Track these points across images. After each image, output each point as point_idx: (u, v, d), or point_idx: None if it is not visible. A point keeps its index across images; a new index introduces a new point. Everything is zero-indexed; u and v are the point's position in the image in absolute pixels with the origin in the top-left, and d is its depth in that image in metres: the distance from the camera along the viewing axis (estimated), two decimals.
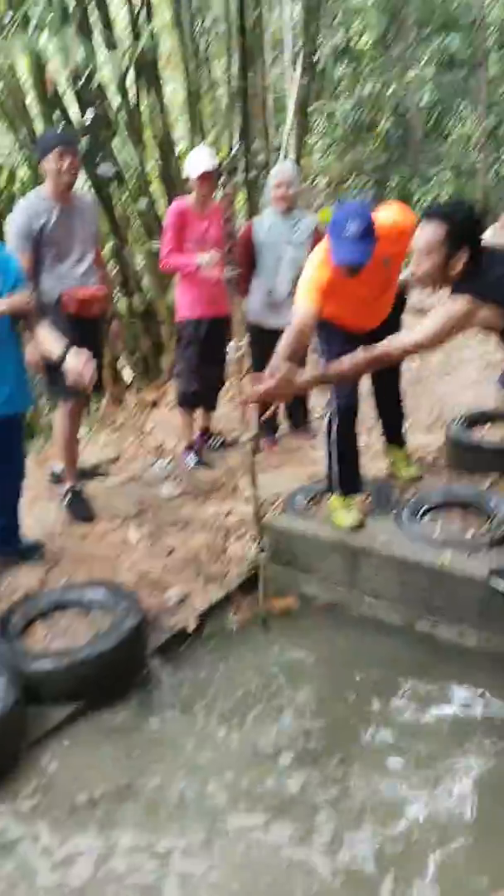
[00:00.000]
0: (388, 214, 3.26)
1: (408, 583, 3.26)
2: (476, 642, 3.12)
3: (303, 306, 3.17)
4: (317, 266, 3.19)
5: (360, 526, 3.48)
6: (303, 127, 6.50)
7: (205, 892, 2.17)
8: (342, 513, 3.53)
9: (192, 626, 3.26)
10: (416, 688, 2.93)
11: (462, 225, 2.48)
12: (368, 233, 2.96)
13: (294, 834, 2.34)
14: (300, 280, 3.26)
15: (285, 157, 7.30)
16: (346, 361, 2.73)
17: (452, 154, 12.53)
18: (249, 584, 3.58)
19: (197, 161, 4.22)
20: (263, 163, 5.70)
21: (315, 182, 10.23)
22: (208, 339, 4.44)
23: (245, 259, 4.45)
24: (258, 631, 3.33)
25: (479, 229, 2.56)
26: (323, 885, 2.17)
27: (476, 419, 4.39)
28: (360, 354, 2.71)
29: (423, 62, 12.06)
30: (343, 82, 11.78)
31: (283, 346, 3.07)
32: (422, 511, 3.60)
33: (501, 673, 2.96)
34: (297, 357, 3.14)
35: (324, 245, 3.20)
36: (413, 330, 2.63)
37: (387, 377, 3.79)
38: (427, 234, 2.51)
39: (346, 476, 3.56)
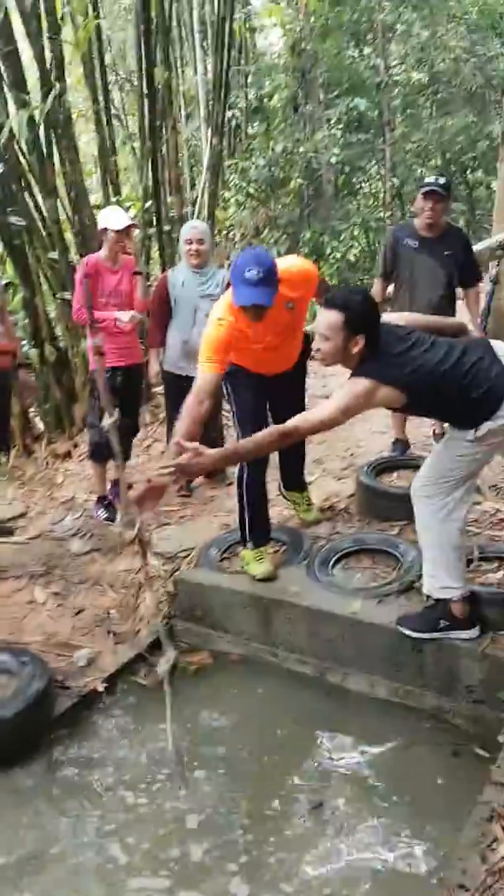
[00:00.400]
0: (288, 260, 3.35)
1: (319, 633, 3.26)
2: (386, 693, 3.12)
3: (201, 371, 3.16)
4: (215, 323, 3.19)
5: (271, 577, 3.47)
6: (216, 182, 6.63)
7: None
8: (254, 564, 3.51)
9: (100, 688, 3.16)
10: (327, 744, 2.91)
11: (357, 314, 2.60)
12: (269, 276, 2.99)
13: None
14: (201, 340, 3.25)
15: (201, 212, 7.46)
16: (257, 439, 2.71)
17: (361, 211, 13.03)
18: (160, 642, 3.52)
19: (112, 218, 4.28)
20: (177, 217, 5.77)
21: (230, 234, 10.42)
22: (121, 388, 4.41)
23: (160, 310, 4.53)
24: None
25: (373, 317, 2.67)
26: None
27: (385, 467, 4.48)
28: (269, 431, 2.71)
29: (332, 122, 12.57)
30: (256, 140, 12.13)
31: (183, 417, 3.04)
32: (333, 560, 3.62)
33: (413, 724, 2.97)
34: (199, 424, 3.10)
35: (222, 301, 3.23)
36: (320, 407, 2.67)
37: None
38: (327, 319, 2.62)
39: (255, 526, 3.55)
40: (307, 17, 12.60)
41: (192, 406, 3.06)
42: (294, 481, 4.06)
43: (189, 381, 4.52)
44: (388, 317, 2.92)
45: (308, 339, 3.57)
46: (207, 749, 2.92)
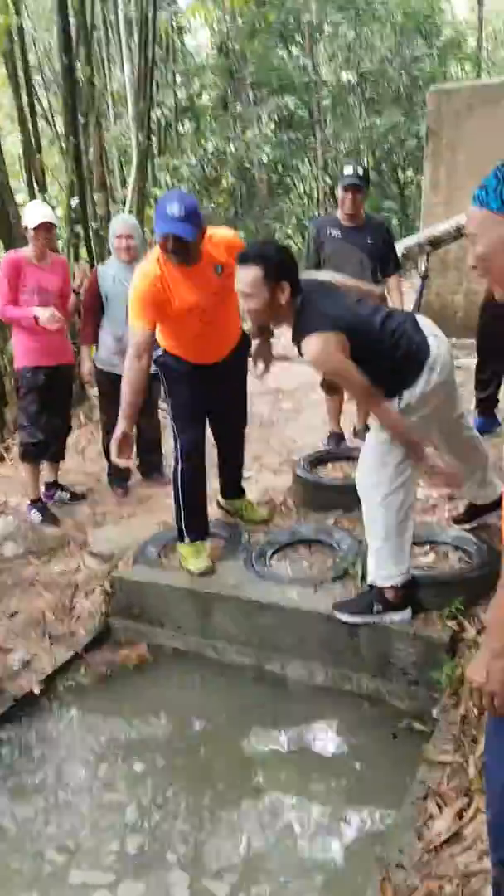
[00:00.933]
0: (216, 228, 3.35)
1: (257, 624, 3.28)
2: (324, 679, 3.16)
3: (133, 327, 3.14)
4: (141, 275, 3.16)
5: (209, 572, 3.47)
6: (143, 180, 6.60)
7: None
8: (192, 560, 3.51)
9: (37, 690, 3.11)
10: (266, 732, 2.93)
11: (275, 262, 2.60)
12: (191, 215, 2.98)
13: (146, 894, 2.26)
14: (129, 296, 3.21)
15: (130, 210, 7.41)
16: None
17: (294, 209, 13.16)
18: (99, 641, 3.49)
19: (33, 213, 4.21)
20: (104, 215, 5.73)
21: None
22: (49, 387, 4.35)
23: (92, 306, 4.48)
24: (108, 688, 3.23)
25: (292, 263, 2.67)
26: None
27: (320, 459, 4.53)
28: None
29: (262, 121, 12.69)
30: (186, 138, 12.13)
31: (125, 385, 3.03)
32: (270, 552, 3.65)
33: (351, 708, 3.01)
34: (142, 386, 3.13)
35: (150, 255, 3.22)
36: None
37: (232, 424, 3.84)
38: (246, 276, 2.62)
39: (193, 521, 3.55)
40: (234, 18, 12.66)
41: (131, 366, 3.06)
42: (235, 489, 4.06)
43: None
44: (314, 273, 2.94)
45: (246, 334, 3.59)
46: (147, 742, 2.91)
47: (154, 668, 3.38)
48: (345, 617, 3.06)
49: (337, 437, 4.92)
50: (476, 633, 2.98)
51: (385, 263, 4.48)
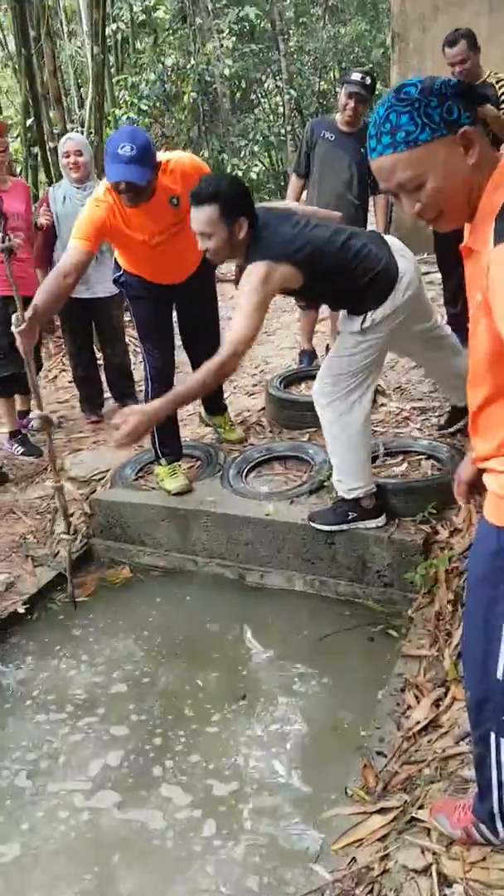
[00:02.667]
0: (176, 153, 3.25)
1: (237, 538, 3.35)
2: (303, 586, 3.26)
3: (70, 246, 3.04)
4: (92, 203, 3.07)
5: (186, 491, 3.52)
6: (101, 96, 6.34)
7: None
8: (168, 480, 3.55)
9: (21, 610, 3.18)
10: (248, 639, 3.03)
11: (230, 198, 2.54)
12: (144, 154, 2.88)
13: (124, 798, 2.36)
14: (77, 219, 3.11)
15: (90, 130, 7.15)
16: (194, 380, 2.52)
17: (260, 127, 12.76)
18: (82, 562, 3.55)
19: None
20: (61, 133, 5.52)
21: None
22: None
23: (44, 229, 4.36)
24: (92, 606, 3.31)
25: (247, 198, 2.61)
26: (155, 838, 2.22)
27: (292, 378, 4.54)
28: (204, 369, 2.51)
29: (223, 33, 12.13)
30: (145, 54, 11.62)
31: (41, 291, 2.95)
32: (246, 469, 3.69)
33: (329, 613, 3.12)
34: (60, 299, 3.04)
35: (102, 183, 3.13)
36: (235, 320, 2.56)
37: (204, 348, 3.78)
38: (201, 215, 2.55)
39: (166, 443, 3.57)
40: None
41: (53, 279, 2.97)
42: (215, 406, 4.07)
43: (83, 303, 4.45)
44: (266, 205, 2.91)
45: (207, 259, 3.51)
46: (133, 654, 3.00)
47: (137, 585, 3.46)
48: (320, 525, 3.13)
49: (310, 354, 4.93)
50: (448, 534, 3.07)
51: (374, 180, 4.37)
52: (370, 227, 4.47)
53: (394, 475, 3.39)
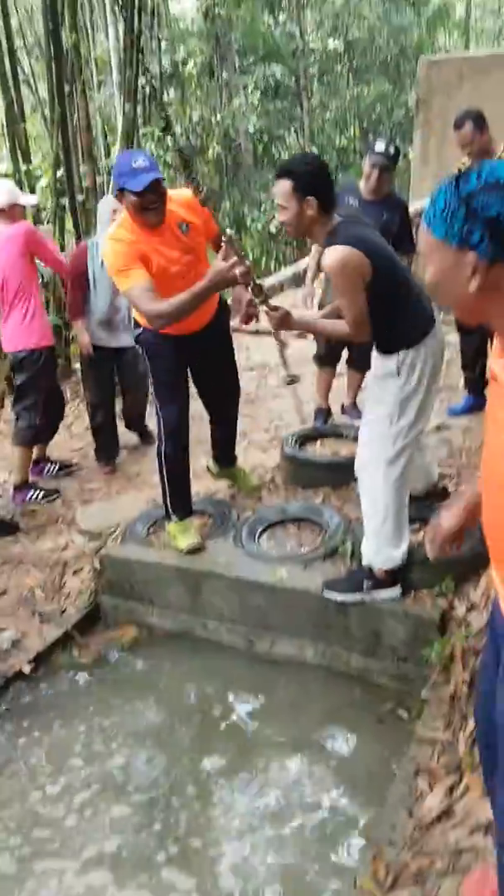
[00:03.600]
0: (171, 190, 3.23)
1: (247, 602, 3.28)
2: (314, 657, 3.18)
3: (132, 287, 2.99)
4: (112, 243, 3.07)
5: (198, 549, 3.46)
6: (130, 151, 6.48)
7: None
8: (180, 537, 3.50)
9: (26, 669, 3.11)
10: (257, 711, 2.96)
11: (304, 176, 2.65)
12: (155, 164, 2.99)
13: (120, 881, 2.26)
14: (109, 270, 3.13)
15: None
16: (326, 324, 2.94)
17: None
18: (90, 620, 3.49)
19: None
20: (90, 186, 5.62)
21: None
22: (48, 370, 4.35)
23: (80, 280, 4.40)
24: (99, 667, 3.23)
25: (323, 180, 2.70)
26: None
27: (308, 437, 4.51)
28: (338, 324, 2.82)
29: (249, 89, 12.45)
30: (172, 107, 11.91)
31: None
32: (260, 530, 3.64)
33: (339, 688, 3.03)
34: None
35: (112, 229, 3.17)
36: (345, 314, 2.73)
37: (223, 399, 3.81)
38: (278, 188, 2.69)
39: (178, 499, 3.53)
40: None
41: (169, 302, 2.96)
42: (225, 456, 4.05)
43: (109, 352, 4.50)
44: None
45: (225, 303, 3.52)
46: (137, 725, 2.92)
47: (145, 647, 3.38)
48: (335, 595, 3.07)
49: (324, 412, 4.90)
50: (466, 610, 3.00)
51: (399, 242, 4.42)
52: None
53: (410, 544, 3.32)
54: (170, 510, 3.53)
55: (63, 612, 3.48)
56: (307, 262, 5.44)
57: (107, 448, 4.75)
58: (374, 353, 2.92)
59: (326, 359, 4.76)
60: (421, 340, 2.75)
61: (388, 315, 2.73)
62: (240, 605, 3.30)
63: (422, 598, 3.04)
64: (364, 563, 3.05)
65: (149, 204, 2.98)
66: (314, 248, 4.69)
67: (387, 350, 2.79)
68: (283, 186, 2.65)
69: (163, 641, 3.42)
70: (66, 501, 4.27)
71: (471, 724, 2.57)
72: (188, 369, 3.53)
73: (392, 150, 4.30)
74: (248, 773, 2.67)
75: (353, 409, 4.90)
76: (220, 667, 3.21)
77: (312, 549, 3.43)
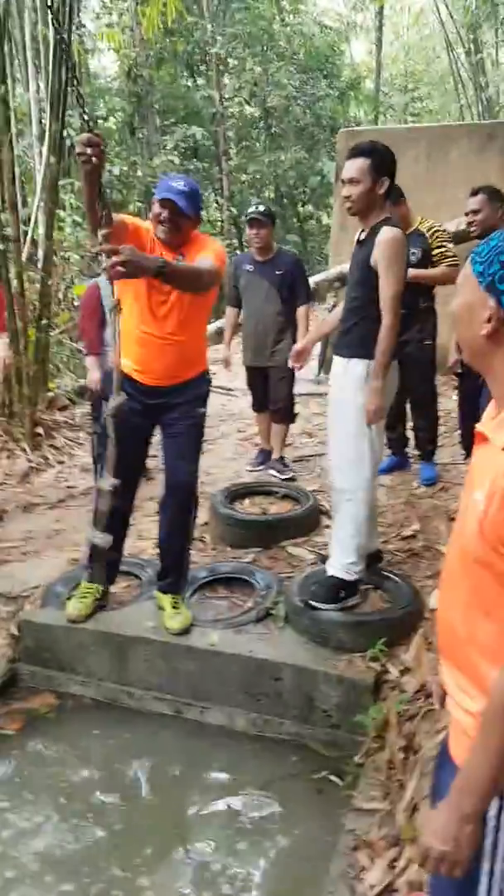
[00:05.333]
0: (207, 236, 3.27)
1: (176, 669, 3.15)
2: (245, 725, 3.07)
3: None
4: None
5: (77, 620, 3.24)
6: (54, 201, 6.41)
7: None
8: (72, 600, 3.32)
9: None
10: (190, 787, 2.81)
11: (382, 157, 2.90)
12: (193, 196, 2.95)
13: None
14: None
15: (34, 230, 7.18)
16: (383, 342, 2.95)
17: None
18: (5, 689, 3.28)
19: None
20: (14, 236, 5.51)
21: (67, 256, 10.13)
22: None
23: (93, 315, 4.51)
24: (14, 741, 3.02)
25: (394, 166, 2.95)
26: None
27: (238, 493, 4.47)
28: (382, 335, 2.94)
29: (169, 149, 12.67)
30: None
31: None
32: (190, 591, 3.54)
33: (273, 757, 2.93)
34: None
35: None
36: (384, 286, 2.93)
37: (168, 491, 3.33)
38: (355, 165, 2.90)
39: (93, 560, 3.30)
40: (142, 45, 12.65)
41: None
42: (161, 574, 3.40)
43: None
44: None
45: (207, 378, 3.28)
46: (69, 799, 2.73)
47: (65, 719, 3.18)
48: (318, 603, 3.13)
49: (266, 454, 5.13)
50: (399, 674, 2.98)
51: (294, 294, 4.74)
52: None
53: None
54: (85, 564, 3.38)
55: None
56: (221, 324, 5.78)
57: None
58: (340, 369, 3.12)
59: (258, 405, 5.10)
60: (394, 359, 3.05)
61: (380, 317, 2.96)
62: (168, 672, 3.17)
63: (354, 662, 3.00)
64: (331, 572, 3.19)
65: (159, 215, 2.92)
66: (228, 310, 4.91)
67: (364, 354, 2.98)
68: (361, 163, 2.88)
69: (85, 711, 3.23)
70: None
71: (409, 791, 2.53)
72: (146, 447, 3.30)
73: (262, 207, 4.72)
74: (180, 851, 2.51)
75: (279, 462, 4.97)
76: (147, 738, 3.05)
77: (244, 612, 3.35)
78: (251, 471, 5.11)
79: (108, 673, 3.26)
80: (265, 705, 3.05)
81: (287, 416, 5.03)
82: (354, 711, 2.90)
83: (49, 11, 2.99)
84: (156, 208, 2.95)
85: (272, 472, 4.95)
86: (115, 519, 3.14)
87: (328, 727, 2.98)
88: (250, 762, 2.91)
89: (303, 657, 3.01)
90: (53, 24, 3.06)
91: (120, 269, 2.45)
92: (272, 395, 4.94)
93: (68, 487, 5.17)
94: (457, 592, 1.32)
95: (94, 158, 2.50)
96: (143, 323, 3.03)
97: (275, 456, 5.04)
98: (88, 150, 2.48)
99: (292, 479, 4.82)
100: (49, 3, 3.00)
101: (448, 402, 5.72)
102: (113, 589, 3.52)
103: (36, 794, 2.76)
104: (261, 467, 5.09)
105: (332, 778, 2.84)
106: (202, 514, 4.31)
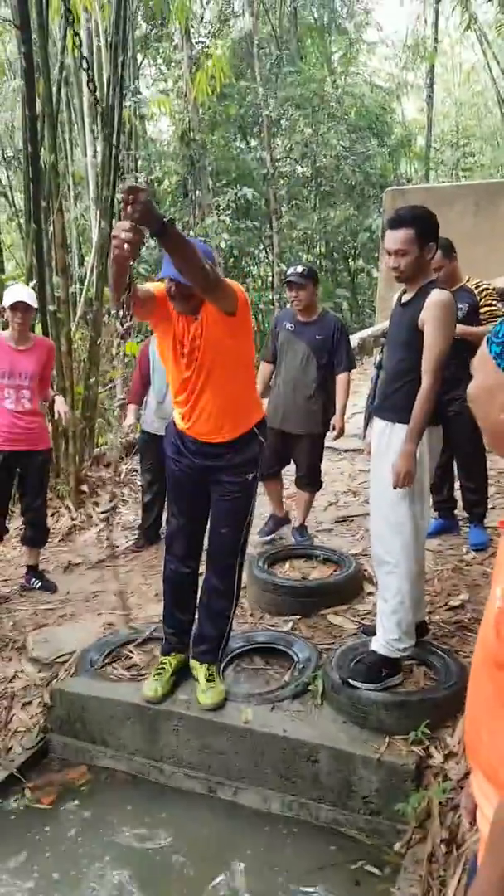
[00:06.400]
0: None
1: (209, 746, 3.03)
2: (280, 807, 2.92)
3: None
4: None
5: (154, 702, 3.12)
6: (105, 264, 6.56)
7: None
8: (148, 679, 3.21)
9: None
10: (223, 874, 2.67)
11: (427, 224, 2.89)
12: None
13: None
14: None
15: (87, 291, 7.36)
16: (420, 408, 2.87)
17: (250, 293, 13.38)
18: (36, 760, 3.21)
19: (10, 293, 4.21)
20: (63, 298, 5.64)
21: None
22: (9, 472, 4.32)
23: (142, 372, 4.88)
24: (41, 817, 2.93)
25: (437, 229, 2.95)
26: None
27: (277, 558, 4.37)
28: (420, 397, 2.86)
29: (221, 209, 12.97)
30: None
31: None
32: (225, 661, 3.43)
33: (310, 844, 2.78)
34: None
35: None
36: (427, 347, 2.86)
37: (210, 560, 3.28)
38: (400, 236, 2.87)
39: (165, 627, 3.34)
40: (196, 109, 13.07)
41: None
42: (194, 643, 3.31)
43: (158, 439, 4.41)
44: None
45: (251, 441, 3.11)
46: (99, 882, 2.62)
47: (98, 793, 3.09)
48: (359, 683, 2.99)
49: (278, 520, 4.89)
50: (443, 759, 2.81)
51: (335, 359, 4.56)
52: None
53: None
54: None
55: (9, 750, 3.19)
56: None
57: (154, 527, 5.05)
58: (383, 432, 3.04)
59: (266, 472, 4.60)
60: (436, 422, 2.98)
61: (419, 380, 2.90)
62: (200, 749, 3.06)
63: (396, 745, 2.84)
64: (375, 646, 3.08)
65: (169, 290, 2.80)
66: (263, 365, 4.79)
67: (409, 419, 2.90)
68: (406, 234, 2.87)
69: (119, 785, 3.13)
70: (18, 625, 4.01)
71: (451, 888, 2.36)
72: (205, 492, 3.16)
73: (301, 269, 4.55)
74: None
75: (297, 532, 4.79)
76: (181, 817, 2.93)
77: (280, 686, 3.23)
78: (265, 541, 4.83)
79: (139, 747, 3.17)
80: (301, 788, 2.90)
81: (316, 483, 4.78)
82: (395, 798, 2.74)
83: (89, 87, 3.00)
84: (165, 284, 2.83)
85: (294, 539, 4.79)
86: (184, 589, 3.26)
87: (367, 814, 2.82)
88: (286, 849, 2.77)
89: (341, 739, 2.87)
90: (89, 87, 3.03)
91: (132, 208, 2.25)
92: (300, 461, 4.72)
93: (109, 547, 5.15)
94: (482, 693, 1.23)
95: (127, 246, 2.32)
96: (175, 375, 2.99)
97: (297, 524, 4.85)
98: (123, 236, 2.31)
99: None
100: (91, 87, 3.00)
101: (501, 461, 5.54)
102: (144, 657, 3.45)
103: (65, 872, 2.67)
104: (270, 536, 4.86)
105: (371, 869, 2.68)
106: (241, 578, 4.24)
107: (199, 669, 3.19)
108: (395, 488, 2.89)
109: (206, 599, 3.23)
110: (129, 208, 2.26)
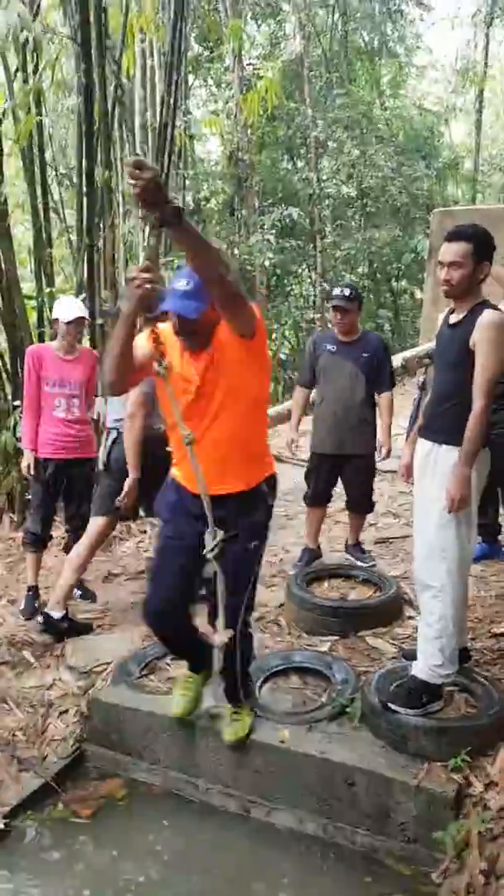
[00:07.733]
0: None
1: (245, 764, 3.01)
2: (315, 830, 2.88)
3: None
4: None
5: (183, 715, 3.09)
6: None
7: None
8: (173, 695, 3.17)
9: (0, 825, 2.81)
10: (252, 891, 2.64)
11: (484, 242, 2.88)
12: (199, 290, 2.49)
13: None
14: None
15: None
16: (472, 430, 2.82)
17: (292, 312, 13.42)
18: (71, 769, 3.22)
19: (68, 307, 4.30)
20: (112, 312, 5.72)
21: None
22: (56, 481, 4.34)
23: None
24: (75, 828, 2.93)
25: (492, 250, 2.91)
26: None
27: (316, 576, 4.34)
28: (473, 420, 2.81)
29: (266, 228, 13.05)
30: None
31: None
32: (261, 679, 3.41)
33: (344, 871, 2.73)
34: None
35: None
36: (479, 369, 2.82)
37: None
38: (455, 249, 2.87)
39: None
40: (245, 130, 13.22)
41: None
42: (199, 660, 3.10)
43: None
44: None
45: (265, 492, 2.87)
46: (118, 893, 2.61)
47: (136, 807, 3.08)
48: (398, 707, 2.95)
49: (311, 553, 4.71)
50: (483, 788, 2.75)
51: (378, 380, 4.47)
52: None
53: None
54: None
55: (45, 758, 3.20)
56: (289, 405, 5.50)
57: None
58: (428, 453, 3.00)
59: (316, 499, 4.64)
60: (485, 445, 2.91)
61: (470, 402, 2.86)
62: (235, 766, 3.03)
63: (435, 771, 2.79)
64: (415, 671, 3.04)
65: (175, 325, 2.64)
66: (298, 390, 4.73)
67: (457, 441, 2.87)
68: (463, 247, 2.86)
69: (156, 800, 3.11)
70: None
71: None
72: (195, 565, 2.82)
73: (347, 291, 4.44)
74: None
75: (357, 549, 4.75)
76: (216, 837, 2.91)
77: (317, 707, 3.19)
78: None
79: (175, 761, 3.16)
80: (337, 811, 2.86)
81: (369, 506, 4.75)
82: (433, 826, 2.69)
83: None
84: (170, 317, 2.66)
85: (351, 559, 4.74)
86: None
87: (404, 841, 2.77)
88: (321, 876, 2.72)
89: (379, 763, 2.82)
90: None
91: (139, 190, 2.05)
92: (353, 483, 4.61)
93: (148, 558, 5.16)
94: None
95: (147, 286, 2.27)
96: (173, 417, 2.69)
97: (352, 541, 4.81)
98: (144, 276, 2.28)
99: (373, 566, 4.61)
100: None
101: None
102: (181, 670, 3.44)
103: (100, 891, 2.66)
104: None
105: None
106: (279, 596, 4.22)
107: (226, 707, 3.06)
108: (448, 513, 2.86)
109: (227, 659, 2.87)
110: (132, 185, 2.04)
